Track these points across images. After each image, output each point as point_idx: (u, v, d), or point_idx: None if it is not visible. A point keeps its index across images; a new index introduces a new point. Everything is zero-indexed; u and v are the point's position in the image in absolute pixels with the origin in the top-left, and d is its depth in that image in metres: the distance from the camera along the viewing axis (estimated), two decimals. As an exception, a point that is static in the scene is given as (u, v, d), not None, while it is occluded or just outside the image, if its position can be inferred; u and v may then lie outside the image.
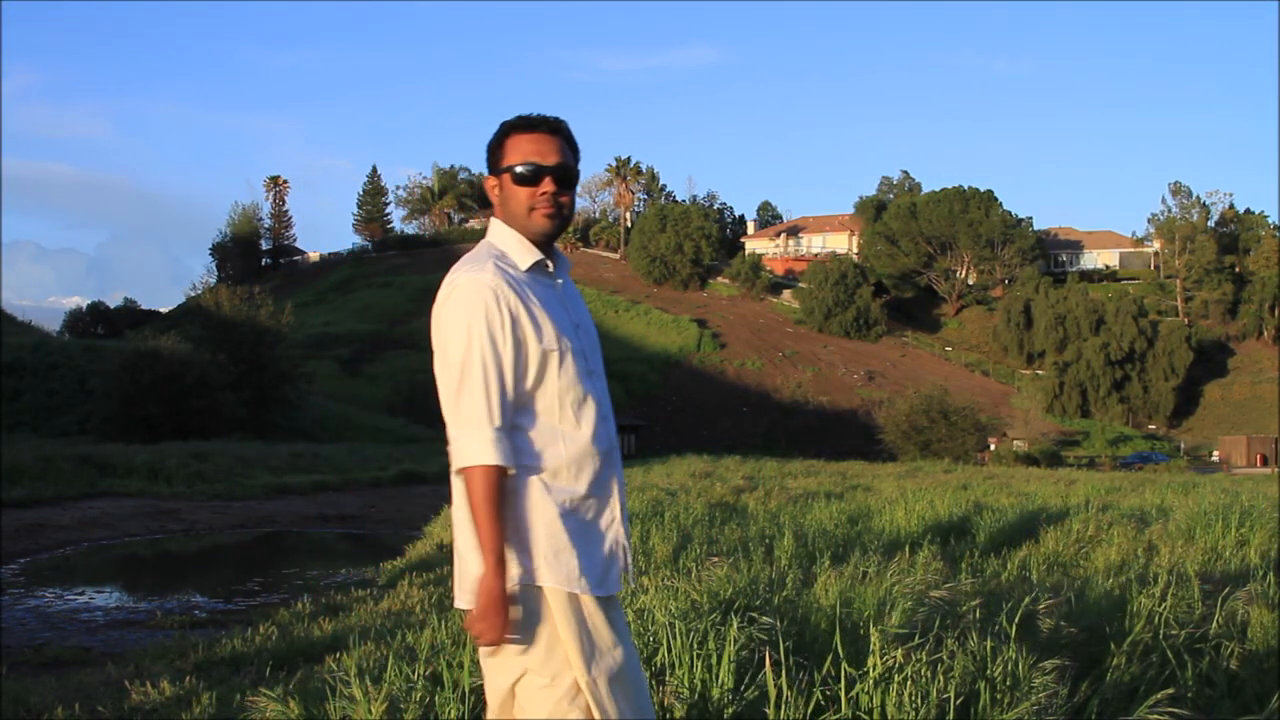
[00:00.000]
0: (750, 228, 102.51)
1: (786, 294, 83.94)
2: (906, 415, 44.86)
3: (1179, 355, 68.36)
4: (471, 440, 2.26)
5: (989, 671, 3.37)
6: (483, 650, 2.38)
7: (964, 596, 4.98)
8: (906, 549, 7.91)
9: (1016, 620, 3.95)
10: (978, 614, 4.07)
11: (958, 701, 3.18)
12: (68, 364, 44.86)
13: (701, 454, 36.01)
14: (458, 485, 2.33)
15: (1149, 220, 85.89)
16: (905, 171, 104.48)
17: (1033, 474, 27.81)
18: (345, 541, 17.07)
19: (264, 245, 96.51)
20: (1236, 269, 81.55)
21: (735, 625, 3.96)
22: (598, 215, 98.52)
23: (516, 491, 2.32)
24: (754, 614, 4.25)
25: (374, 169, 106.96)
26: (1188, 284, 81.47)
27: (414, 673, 4.10)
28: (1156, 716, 3.28)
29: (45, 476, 20.32)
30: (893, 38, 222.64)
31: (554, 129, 2.45)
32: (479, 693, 3.68)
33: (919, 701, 3.14)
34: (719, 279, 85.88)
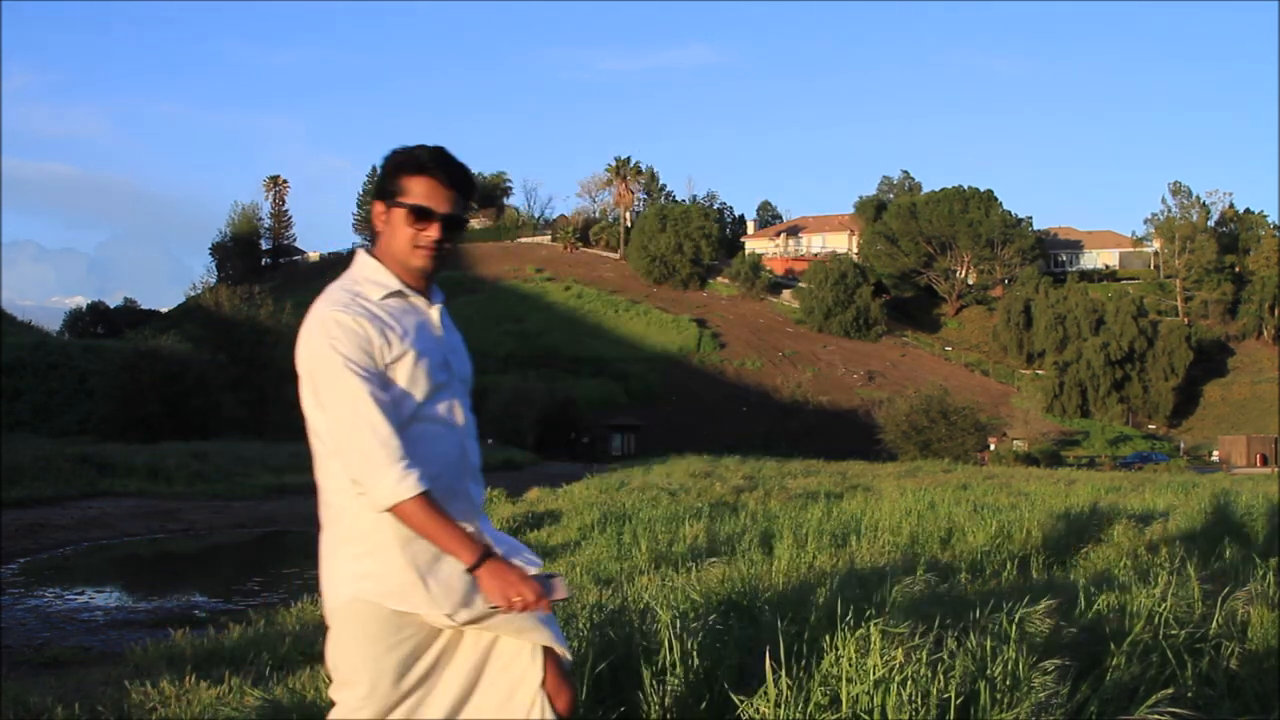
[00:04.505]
0: (750, 228, 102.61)
1: (786, 294, 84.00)
2: (906, 415, 44.91)
3: (1179, 355, 68.39)
4: (382, 478, 2.25)
5: (989, 671, 3.37)
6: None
7: (964, 596, 4.98)
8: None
9: (1016, 620, 3.95)
10: (978, 613, 4.08)
11: (958, 701, 3.18)
12: (68, 364, 44.91)
13: (701, 454, 36.01)
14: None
15: (1148, 220, 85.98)
16: (905, 171, 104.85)
17: (1032, 474, 27.81)
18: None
19: (264, 245, 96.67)
20: (1236, 269, 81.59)
21: (736, 624, 3.96)
22: (598, 215, 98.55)
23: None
24: (754, 613, 4.25)
25: (374, 169, 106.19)
26: (1188, 284, 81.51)
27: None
28: (1156, 716, 3.28)
29: (45, 476, 20.29)
30: (892, 38, 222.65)
31: (451, 176, 2.42)
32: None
33: (919, 701, 3.15)
34: (719, 279, 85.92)
